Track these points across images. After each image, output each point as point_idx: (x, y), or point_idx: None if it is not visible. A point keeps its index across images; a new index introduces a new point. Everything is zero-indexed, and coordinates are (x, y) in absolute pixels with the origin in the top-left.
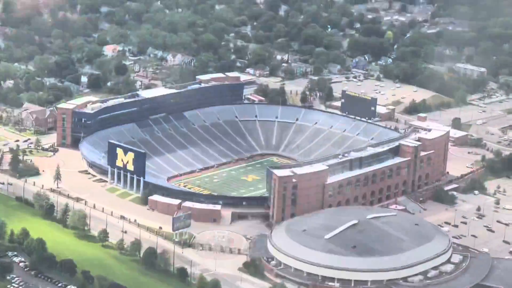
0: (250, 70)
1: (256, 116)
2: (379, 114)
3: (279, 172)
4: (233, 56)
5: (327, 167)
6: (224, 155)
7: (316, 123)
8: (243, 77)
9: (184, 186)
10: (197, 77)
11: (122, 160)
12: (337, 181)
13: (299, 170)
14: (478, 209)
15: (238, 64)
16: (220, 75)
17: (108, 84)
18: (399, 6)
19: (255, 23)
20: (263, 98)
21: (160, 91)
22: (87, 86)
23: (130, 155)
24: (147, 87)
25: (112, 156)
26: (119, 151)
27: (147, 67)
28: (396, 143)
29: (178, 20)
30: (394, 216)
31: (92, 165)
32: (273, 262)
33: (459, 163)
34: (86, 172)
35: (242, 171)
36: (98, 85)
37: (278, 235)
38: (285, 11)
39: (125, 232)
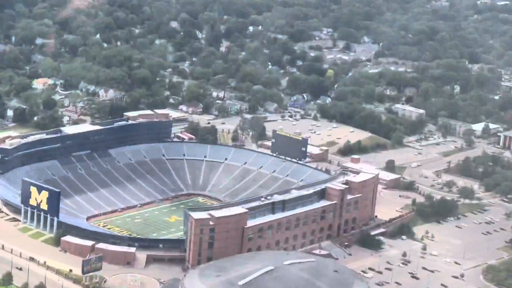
0: (183, 107)
1: (184, 155)
2: (312, 155)
3: (195, 215)
4: (167, 93)
5: (247, 210)
6: (148, 194)
7: (245, 163)
8: (175, 114)
9: (104, 226)
10: (124, 113)
11: (35, 199)
12: (257, 224)
13: (217, 213)
14: (404, 254)
15: (171, 100)
16: (149, 112)
17: (35, 118)
18: (343, 45)
19: (194, 59)
20: (193, 136)
21: (84, 127)
22: (13, 120)
23: (44, 193)
24: (75, 122)
25: (25, 195)
26: (33, 189)
27: (77, 102)
28: (322, 186)
29: (114, 54)
30: (312, 262)
31: (5, 203)
32: None
33: (389, 207)
34: None
35: (165, 212)
36: (25, 119)
37: (190, 280)
38: (226, 47)
39: (19, 268)
